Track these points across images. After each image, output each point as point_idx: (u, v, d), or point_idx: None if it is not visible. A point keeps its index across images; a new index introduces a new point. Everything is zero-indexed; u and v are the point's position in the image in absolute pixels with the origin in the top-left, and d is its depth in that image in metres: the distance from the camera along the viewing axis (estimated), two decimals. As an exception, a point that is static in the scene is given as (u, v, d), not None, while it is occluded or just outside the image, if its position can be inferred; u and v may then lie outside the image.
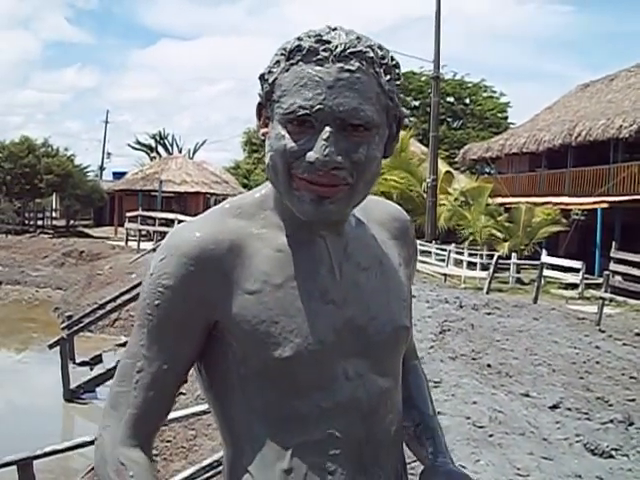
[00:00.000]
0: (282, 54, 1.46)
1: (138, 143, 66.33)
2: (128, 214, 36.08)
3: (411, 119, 52.02)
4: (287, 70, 1.45)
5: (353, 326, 1.53)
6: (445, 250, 25.74)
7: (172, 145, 65.59)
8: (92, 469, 7.92)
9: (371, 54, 1.44)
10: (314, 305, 1.50)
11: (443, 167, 32.78)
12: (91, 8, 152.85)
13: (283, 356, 1.46)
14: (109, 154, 72.96)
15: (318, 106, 1.40)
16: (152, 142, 65.94)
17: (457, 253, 26.06)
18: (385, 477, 1.57)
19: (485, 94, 54.37)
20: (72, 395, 12.71)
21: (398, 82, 1.50)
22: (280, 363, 1.46)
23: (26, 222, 46.57)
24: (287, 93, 1.43)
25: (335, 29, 1.45)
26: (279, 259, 1.51)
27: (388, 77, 1.47)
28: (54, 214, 52.81)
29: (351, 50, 1.42)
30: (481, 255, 25.62)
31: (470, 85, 53.68)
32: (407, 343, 1.67)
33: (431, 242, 27.68)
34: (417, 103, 53.17)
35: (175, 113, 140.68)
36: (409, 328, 1.65)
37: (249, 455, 1.51)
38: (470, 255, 25.75)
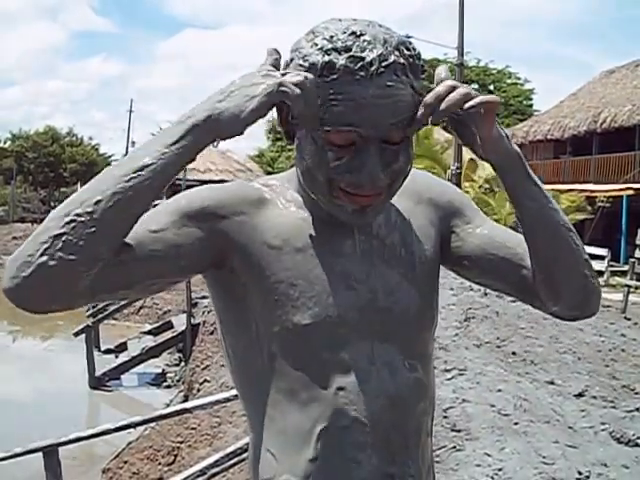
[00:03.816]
0: (310, 68, 1.42)
1: (162, 132, 66.53)
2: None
3: (435, 106, 51.81)
4: (318, 86, 1.40)
5: (375, 307, 1.51)
6: (469, 238, 25.64)
7: (196, 134, 65.69)
8: (117, 456, 7.99)
9: (402, 60, 1.42)
10: (334, 280, 1.49)
11: (467, 154, 32.61)
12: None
13: (302, 322, 1.45)
14: (133, 143, 72.99)
15: (360, 126, 1.40)
16: (176, 131, 66.07)
17: (481, 240, 25.95)
18: (415, 468, 1.53)
19: (509, 81, 54.01)
20: (97, 382, 12.84)
21: (423, 76, 1.49)
22: (300, 330, 1.45)
23: (51, 211, 46.88)
24: (323, 109, 1.41)
25: (360, 35, 1.41)
26: (301, 226, 1.52)
27: (418, 79, 1.47)
28: (79, 203, 53.05)
29: (385, 64, 1.39)
30: (506, 242, 25.51)
31: (494, 72, 53.34)
32: (435, 325, 1.64)
33: (455, 229, 27.57)
34: (441, 90, 52.94)
35: (200, 102, 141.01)
36: (434, 306, 1.62)
37: (274, 440, 1.50)
38: (494, 242, 25.62)
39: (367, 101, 1.38)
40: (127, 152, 70.30)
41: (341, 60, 1.39)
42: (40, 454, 6.14)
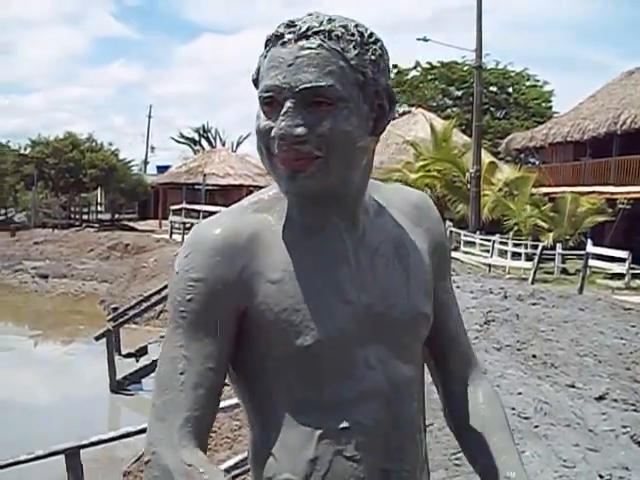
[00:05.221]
0: (264, 45, 1.51)
1: (182, 137, 66.94)
2: (172, 207, 36.32)
3: (454, 109, 51.77)
4: (265, 57, 1.50)
5: (372, 313, 1.54)
6: (489, 240, 25.58)
7: (215, 138, 66.02)
8: (138, 459, 8.01)
9: (338, 32, 1.45)
10: (332, 294, 1.51)
11: (486, 157, 32.52)
12: (136, 4, 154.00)
13: (305, 344, 1.48)
14: (153, 148, 73.51)
15: (278, 84, 1.44)
16: (195, 136, 66.47)
17: (501, 243, 25.85)
18: (410, 464, 1.58)
19: (528, 83, 53.87)
20: (118, 386, 12.86)
21: (374, 57, 1.49)
22: (302, 351, 1.48)
23: (72, 216, 47.14)
24: (262, 77, 1.50)
25: (312, 14, 1.49)
26: (296, 249, 1.53)
27: (357, 51, 1.46)
28: (99, 208, 53.48)
29: (314, 30, 1.45)
30: (525, 245, 25.38)
31: (513, 74, 53.19)
32: (428, 329, 1.66)
33: (475, 233, 27.49)
34: (460, 93, 52.88)
35: (219, 106, 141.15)
36: (430, 316, 1.64)
37: (275, 441, 1.52)
38: (514, 245, 25.52)
39: (285, 60, 1.44)
40: (147, 157, 70.71)
41: (280, 28, 1.48)
42: (62, 456, 6.19)
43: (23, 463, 6.23)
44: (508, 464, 1.57)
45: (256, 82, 1.54)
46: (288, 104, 1.43)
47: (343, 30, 1.46)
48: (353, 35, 1.47)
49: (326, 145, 1.44)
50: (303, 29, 1.45)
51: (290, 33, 1.45)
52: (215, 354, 1.48)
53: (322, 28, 1.45)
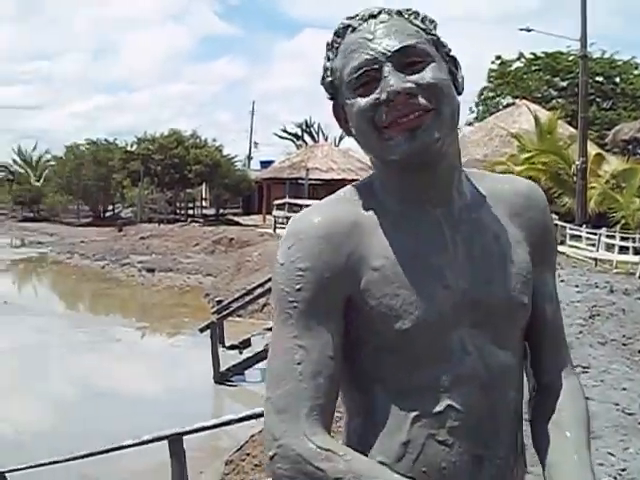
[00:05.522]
0: (328, 49, 1.59)
1: (285, 132, 67.66)
2: (276, 202, 36.72)
3: (559, 100, 50.72)
4: (336, 55, 1.56)
5: (469, 299, 1.53)
6: (596, 234, 25.00)
7: (318, 133, 66.39)
8: (240, 448, 8.17)
9: (397, 10, 1.56)
10: (432, 279, 1.52)
11: (592, 149, 31.77)
12: (239, 2, 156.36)
13: (403, 328, 1.49)
14: (256, 143, 74.20)
15: (369, 57, 1.49)
16: (298, 131, 67.02)
17: (608, 237, 25.23)
18: (504, 452, 1.56)
19: (636, 72, 52.31)
20: (222, 378, 13.07)
21: (432, 25, 1.58)
22: (400, 335, 1.49)
23: (177, 211, 48.24)
24: (343, 69, 1.53)
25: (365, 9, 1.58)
26: (394, 236, 1.54)
27: (419, 20, 1.56)
28: (204, 203, 54.44)
29: (377, 11, 1.55)
30: (634, 239, 24.71)
31: (620, 63, 51.76)
32: (527, 319, 1.62)
33: (581, 226, 26.91)
34: (565, 84, 51.73)
35: (322, 101, 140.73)
36: (528, 305, 1.61)
37: (369, 424, 1.54)
38: (622, 239, 24.85)
39: (365, 38, 1.51)
40: (250, 152, 71.56)
41: (342, 23, 1.57)
42: (166, 442, 6.38)
43: (130, 447, 6.46)
44: (576, 463, 1.52)
45: (331, 85, 1.59)
46: (387, 68, 1.47)
47: (399, 9, 1.56)
48: (409, 10, 1.57)
49: (434, 96, 1.47)
50: (367, 14, 1.54)
51: (357, 21, 1.54)
52: (330, 342, 1.47)
53: (383, 9, 1.55)
